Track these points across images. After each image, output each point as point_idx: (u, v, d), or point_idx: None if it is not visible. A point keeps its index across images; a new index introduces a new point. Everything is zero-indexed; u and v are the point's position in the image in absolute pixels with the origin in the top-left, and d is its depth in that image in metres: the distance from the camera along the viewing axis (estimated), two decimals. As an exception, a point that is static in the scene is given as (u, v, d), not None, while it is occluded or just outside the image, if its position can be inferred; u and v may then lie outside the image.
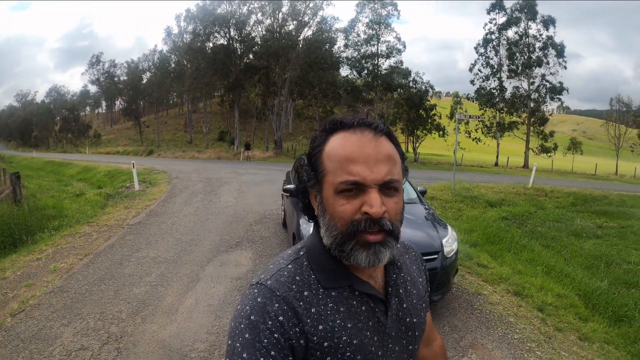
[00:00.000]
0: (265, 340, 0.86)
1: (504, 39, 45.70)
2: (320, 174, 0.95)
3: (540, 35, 44.43)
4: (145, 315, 4.50)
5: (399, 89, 44.37)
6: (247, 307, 0.91)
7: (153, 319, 4.40)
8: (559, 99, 45.71)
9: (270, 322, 0.88)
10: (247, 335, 0.87)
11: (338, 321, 0.94)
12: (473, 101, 47.34)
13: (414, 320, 1.09)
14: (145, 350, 3.80)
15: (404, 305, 1.07)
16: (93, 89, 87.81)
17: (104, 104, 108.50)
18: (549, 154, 44.28)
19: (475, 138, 45.25)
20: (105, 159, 35.70)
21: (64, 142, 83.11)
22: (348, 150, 0.92)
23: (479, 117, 21.58)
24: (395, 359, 1.03)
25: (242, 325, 0.89)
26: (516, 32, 45.12)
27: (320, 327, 0.92)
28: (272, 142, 43.41)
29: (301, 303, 0.93)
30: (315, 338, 0.91)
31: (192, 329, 4.22)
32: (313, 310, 0.93)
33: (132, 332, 4.12)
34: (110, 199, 12.80)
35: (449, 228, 5.06)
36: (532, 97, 44.68)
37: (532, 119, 44.68)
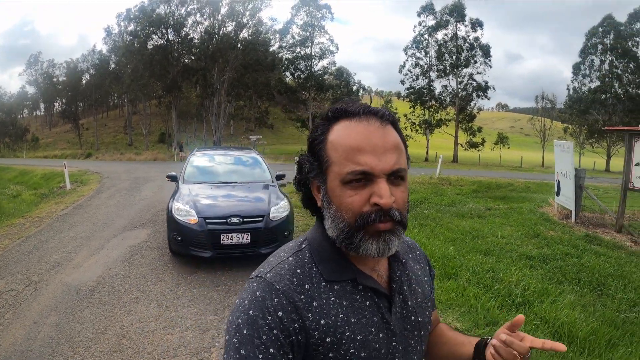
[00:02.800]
0: (264, 337, 0.84)
1: (433, 41, 48.18)
2: (324, 164, 0.93)
3: (469, 36, 47.20)
4: (58, 269, 6.19)
5: (330, 89, 46.17)
6: (246, 302, 0.89)
7: (63, 271, 6.11)
8: (486, 96, 48.18)
9: (269, 318, 0.86)
10: (245, 331, 0.85)
11: (341, 315, 0.91)
12: (403, 99, 49.75)
13: (419, 319, 1.06)
14: (54, 288, 5.49)
15: (409, 303, 1.04)
16: (31, 90, 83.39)
17: (42, 106, 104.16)
18: (477, 149, 47.17)
19: (406, 135, 47.58)
20: (42, 162, 35.88)
21: (0, 147, 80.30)
22: (355, 139, 0.89)
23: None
24: (400, 358, 1.00)
25: (239, 320, 0.87)
26: (445, 34, 47.72)
27: (322, 321, 0.89)
28: (211, 143, 44.37)
29: (302, 297, 0.90)
30: (316, 333, 0.89)
31: (88, 275, 5.93)
32: (315, 303, 0.90)
33: (46, 279, 5.80)
34: (44, 198, 14.02)
35: (285, 201, 6.83)
36: (460, 95, 47.32)
37: (461, 116, 47.35)
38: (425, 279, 1.17)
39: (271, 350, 0.85)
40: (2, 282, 5.71)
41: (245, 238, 6.07)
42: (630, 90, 46.75)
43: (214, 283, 5.71)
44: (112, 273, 6.00)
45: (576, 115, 48.95)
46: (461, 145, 47.47)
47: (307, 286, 0.92)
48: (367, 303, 0.96)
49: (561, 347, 0.90)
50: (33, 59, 74.18)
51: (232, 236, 6.01)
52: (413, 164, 33.80)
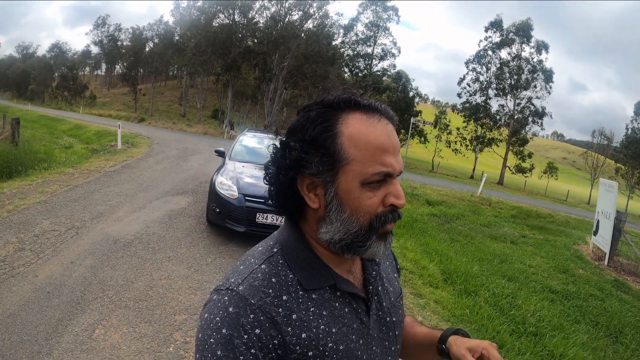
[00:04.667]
0: (242, 358, 0.78)
1: (496, 58, 47.31)
2: (340, 162, 0.85)
3: (532, 58, 46.09)
4: (100, 219, 6.56)
5: (387, 91, 45.99)
6: (218, 319, 0.82)
7: (105, 222, 6.46)
8: (541, 123, 46.99)
9: (246, 337, 0.79)
10: (219, 352, 0.79)
11: (322, 327, 0.87)
12: (458, 113, 49.11)
13: (394, 319, 1.05)
14: (94, 235, 5.85)
15: (384, 304, 1.02)
16: (95, 50, 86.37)
17: (103, 66, 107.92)
18: (525, 174, 46.13)
19: (455, 149, 47.05)
20: (97, 120, 37.26)
21: (59, 99, 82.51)
22: (379, 138, 0.85)
23: (431, 123, 23.46)
24: None
25: (212, 340, 0.80)
26: (509, 53, 46.74)
27: (304, 335, 0.84)
28: (262, 126, 44.64)
29: (280, 310, 0.84)
30: (298, 348, 0.83)
31: (127, 229, 6.26)
32: (294, 316, 0.84)
33: (88, 226, 6.18)
34: (95, 153, 14.62)
35: None
36: (516, 117, 46.29)
37: (513, 139, 46.30)
38: (395, 275, 1.17)
39: None
40: (46, 222, 6.10)
41: (280, 220, 6.24)
42: None
43: (243, 257, 5.87)
44: (149, 231, 6.30)
45: (631, 157, 47.13)
46: (509, 168, 46.46)
47: (284, 297, 0.86)
48: (346, 310, 0.92)
49: None
50: (101, 21, 75.99)
51: (267, 216, 6.22)
52: (457, 179, 33.44)
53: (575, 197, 49.77)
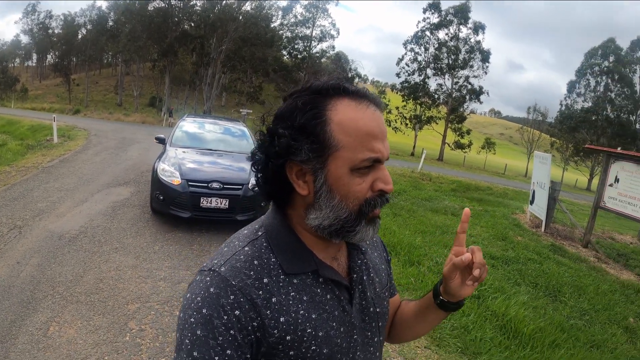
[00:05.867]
0: (221, 338, 0.80)
1: (434, 39, 48.40)
2: (329, 149, 0.85)
3: (470, 39, 47.54)
4: (42, 217, 6.44)
5: (326, 73, 46.00)
6: (199, 299, 0.83)
7: (47, 219, 6.36)
8: (479, 101, 48.75)
9: (225, 317, 0.81)
10: (199, 332, 0.80)
11: (301, 312, 0.87)
12: (397, 92, 50.03)
13: (377, 310, 1.04)
14: (38, 233, 5.76)
15: (368, 293, 1.02)
16: (25, 39, 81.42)
17: (34, 57, 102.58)
18: (464, 150, 47.82)
19: (395, 127, 48.06)
20: (30, 114, 35.47)
21: (-13, 95, 78.26)
22: (369, 124, 0.86)
23: None
24: (360, 351, 0.98)
25: (192, 319, 0.81)
26: (447, 34, 47.93)
27: (282, 319, 0.85)
28: (201, 112, 44.07)
29: (260, 292, 0.85)
30: (276, 332, 0.84)
31: (71, 224, 6.20)
32: (274, 300, 0.85)
33: (31, 224, 6.06)
34: (30, 149, 14.11)
35: None
36: (454, 95, 47.76)
37: (451, 116, 47.75)
38: (383, 266, 1.16)
39: (228, 352, 0.81)
40: (-14, 223, 5.95)
41: (224, 203, 6.39)
42: (621, 115, 48.17)
43: (190, 242, 6.02)
44: (94, 224, 6.27)
45: (565, 131, 50.34)
46: (448, 144, 47.95)
47: (265, 280, 0.87)
48: (328, 296, 0.93)
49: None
50: (31, 8, 71.48)
51: (211, 200, 6.33)
52: (398, 157, 34.07)
53: (512, 170, 52.37)
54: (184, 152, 7.39)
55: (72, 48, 67.37)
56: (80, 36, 67.83)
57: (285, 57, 50.37)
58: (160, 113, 44.26)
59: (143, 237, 6.00)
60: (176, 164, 6.70)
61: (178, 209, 6.35)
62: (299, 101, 0.88)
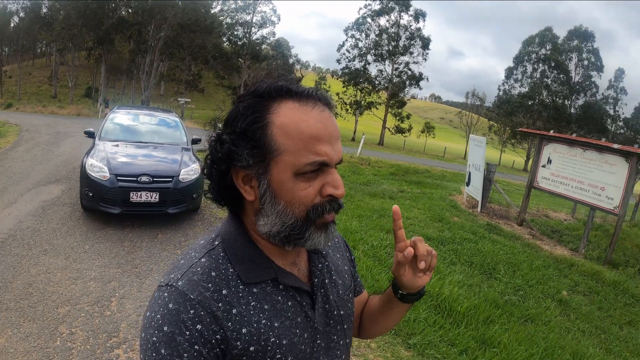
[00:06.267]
0: (186, 355, 0.78)
1: (375, 25, 49.24)
2: (270, 153, 0.84)
3: (410, 26, 48.60)
4: None
5: (266, 60, 45.95)
6: (159, 316, 0.81)
7: None
8: (419, 86, 50.26)
9: (188, 333, 0.79)
10: (162, 351, 0.78)
11: (263, 321, 0.87)
12: (338, 78, 50.49)
13: (342, 312, 1.04)
14: None
15: (330, 297, 1.01)
16: None
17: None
18: (404, 134, 49.02)
19: (336, 113, 48.43)
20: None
21: None
22: (313, 127, 0.83)
23: None
24: (323, 356, 0.97)
25: (154, 338, 0.79)
26: (388, 20, 48.89)
27: (244, 330, 0.84)
28: (139, 102, 42.83)
29: (220, 305, 0.83)
30: (239, 343, 0.83)
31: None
32: (234, 311, 0.84)
33: None
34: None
35: (197, 164, 7.21)
36: (394, 81, 48.80)
37: (392, 101, 48.80)
38: (346, 267, 1.15)
39: None
40: None
41: (154, 197, 6.43)
42: (556, 100, 51.81)
43: (121, 239, 6.04)
44: (23, 226, 6.20)
45: (502, 115, 53.16)
46: (388, 129, 48.95)
47: (224, 292, 0.85)
48: (290, 303, 0.92)
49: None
50: (-41, -5, 67.02)
51: (141, 194, 6.35)
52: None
53: (452, 152, 54.04)
54: (113, 145, 7.33)
55: (3, 37, 63.50)
56: (12, 25, 63.78)
57: (225, 44, 49.57)
58: (97, 104, 42.63)
59: (73, 236, 5.99)
60: (105, 159, 6.65)
61: (108, 205, 6.34)
62: (241, 106, 0.87)
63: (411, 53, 48.80)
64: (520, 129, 17.10)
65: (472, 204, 11.24)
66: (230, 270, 0.88)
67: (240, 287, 0.87)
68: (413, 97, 52.95)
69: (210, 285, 0.85)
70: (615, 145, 8.46)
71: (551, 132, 10.28)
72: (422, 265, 1.01)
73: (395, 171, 17.85)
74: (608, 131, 52.70)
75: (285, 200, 0.85)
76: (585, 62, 52.91)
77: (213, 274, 0.87)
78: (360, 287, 1.26)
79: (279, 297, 0.91)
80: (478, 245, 7.57)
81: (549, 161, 9.72)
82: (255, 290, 0.89)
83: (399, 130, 49.06)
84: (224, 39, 48.94)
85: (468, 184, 11.54)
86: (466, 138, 56.56)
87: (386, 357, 3.88)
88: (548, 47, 52.36)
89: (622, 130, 55.50)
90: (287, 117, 0.83)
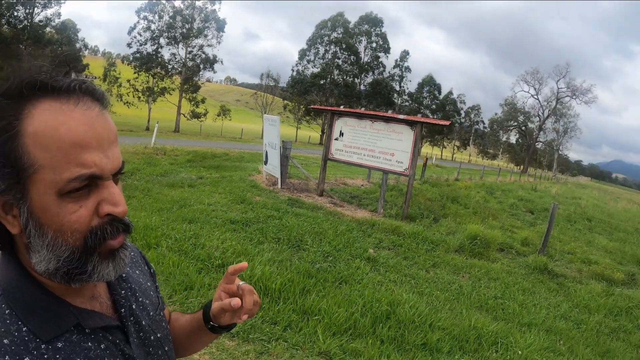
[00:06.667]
0: None
1: (170, 6, 47.04)
2: (25, 172, 0.65)
3: (206, 8, 47.73)
4: None
5: (50, 45, 41.12)
6: None
7: None
8: (213, 69, 49.98)
9: None
10: None
11: None
12: (128, 64, 47.41)
13: (158, 335, 0.92)
14: None
15: (143, 322, 0.88)
16: None
17: None
18: (200, 119, 48.30)
19: (127, 102, 45.84)
20: None
21: None
22: (75, 131, 0.66)
23: (96, 77, 22.48)
24: None
25: None
26: (183, 2, 47.30)
27: None
28: None
29: None
30: None
31: None
32: None
33: None
34: None
35: None
36: (188, 65, 47.54)
37: (186, 86, 47.55)
38: (149, 284, 1.01)
39: None
40: None
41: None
42: (347, 78, 58.86)
43: None
44: None
45: (296, 94, 57.45)
46: (184, 115, 47.71)
47: None
48: (102, 346, 0.77)
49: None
50: None
51: None
52: (132, 133, 32.62)
53: (249, 133, 55.79)
54: None
55: None
56: None
57: (5, 28, 42.59)
58: None
59: None
60: None
61: None
62: None
63: (206, 36, 47.85)
64: (312, 107, 18.40)
65: (272, 181, 11.63)
66: (24, 330, 0.69)
67: (42, 347, 0.69)
68: (208, 80, 52.74)
69: (7, 358, 0.65)
70: (401, 116, 9.94)
71: (341, 108, 11.41)
72: (244, 317, 0.96)
73: (192, 158, 17.17)
74: (395, 104, 63.18)
75: (54, 229, 0.68)
76: (374, 45, 61.52)
77: (5, 341, 0.66)
78: (162, 302, 1.06)
79: (89, 344, 0.75)
80: (282, 221, 7.81)
81: (341, 134, 10.76)
82: (60, 345, 0.71)
83: (195, 115, 48.22)
84: (3, 21, 41.97)
85: (266, 162, 12.02)
86: (262, 118, 58.73)
87: (212, 353, 3.75)
88: (340, 31, 58.65)
89: (407, 103, 67.39)
90: (42, 121, 0.66)
